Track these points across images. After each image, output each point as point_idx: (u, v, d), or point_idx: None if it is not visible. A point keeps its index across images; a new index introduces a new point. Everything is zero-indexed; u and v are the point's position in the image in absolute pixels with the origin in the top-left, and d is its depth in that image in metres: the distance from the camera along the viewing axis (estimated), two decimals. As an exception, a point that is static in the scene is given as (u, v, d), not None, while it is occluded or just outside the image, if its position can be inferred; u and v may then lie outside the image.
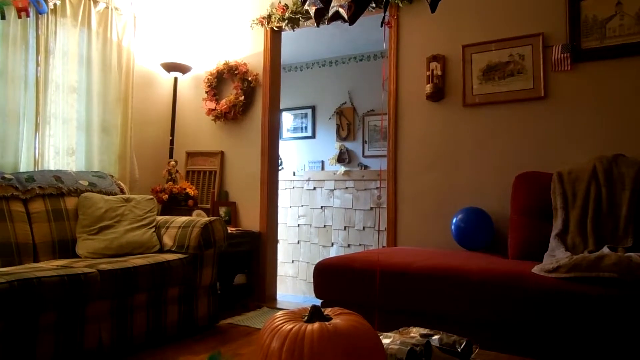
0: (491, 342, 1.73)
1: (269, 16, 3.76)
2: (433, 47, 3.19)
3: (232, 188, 3.93)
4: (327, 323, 0.99)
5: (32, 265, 2.42)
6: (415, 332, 1.28)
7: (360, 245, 4.89)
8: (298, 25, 3.68)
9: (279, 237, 4.41)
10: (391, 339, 1.21)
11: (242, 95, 3.81)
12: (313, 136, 6.04)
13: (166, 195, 3.70)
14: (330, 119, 5.91)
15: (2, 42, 2.94)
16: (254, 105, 3.87)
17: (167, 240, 2.90)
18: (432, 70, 3.15)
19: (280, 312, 1.07)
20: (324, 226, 5.14)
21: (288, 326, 1.00)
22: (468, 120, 3.07)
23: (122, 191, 3.22)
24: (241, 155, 3.91)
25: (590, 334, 1.73)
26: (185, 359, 2.37)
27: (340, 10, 1.57)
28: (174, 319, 2.69)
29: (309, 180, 5.31)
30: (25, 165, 3.03)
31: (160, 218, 3.07)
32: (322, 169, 5.86)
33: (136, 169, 3.75)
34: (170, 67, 3.88)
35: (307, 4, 1.67)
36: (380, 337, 1.21)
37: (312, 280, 2.48)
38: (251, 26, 3.88)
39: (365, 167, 5.58)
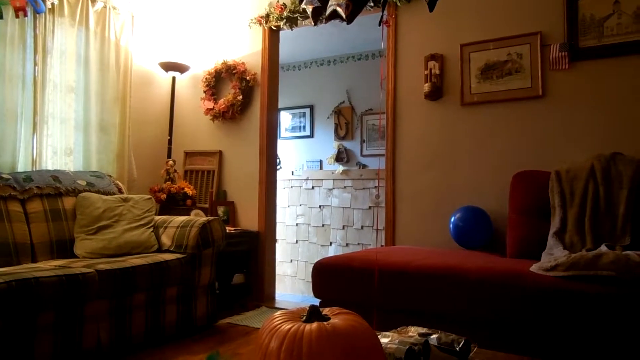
0: (489, 341, 1.73)
1: (267, 15, 3.76)
2: (431, 46, 3.19)
3: (231, 187, 3.93)
4: (325, 323, 0.99)
5: (30, 265, 2.41)
6: (414, 331, 1.28)
7: (358, 244, 4.89)
8: (296, 25, 3.68)
9: (278, 236, 4.41)
10: (390, 338, 1.21)
11: (240, 95, 3.81)
12: (311, 135, 6.03)
13: (164, 195, 3.71)
14: (328, 118, 5.90)
15: (0, 41, 2.93)
16: (252, 105, 3.87)
17: (166, 240, 2.89)
18: (430, 69, 3.15)
19: (278, 312, 1.07)
20: (323, 225, 5.15)
21: (286, 326, 1.00)
22: (466, 119, 3.07)
23: (120, 191, 3.22)
24: (239, 154, 3.91)
25: (589, 332, 1.74)
26: (183, 358, 2.37)
27: (338, 9, 1.57)
28: (173, 318, 2.69)
29: (307, 179, 5.31)
30: (23, 165, 3.02)
31: (158, 218, 3.07)
32: (321, 168, 5.86)
33: (134, 168, 3.75)
34: (168, 67, 3.88)
35: (304, 2, 1.66)
36: (379, 336, 1.21)
37: (310, 280, 2.48)
38: (249, 25, 3.88)
39: (364, 166, 5.57)
